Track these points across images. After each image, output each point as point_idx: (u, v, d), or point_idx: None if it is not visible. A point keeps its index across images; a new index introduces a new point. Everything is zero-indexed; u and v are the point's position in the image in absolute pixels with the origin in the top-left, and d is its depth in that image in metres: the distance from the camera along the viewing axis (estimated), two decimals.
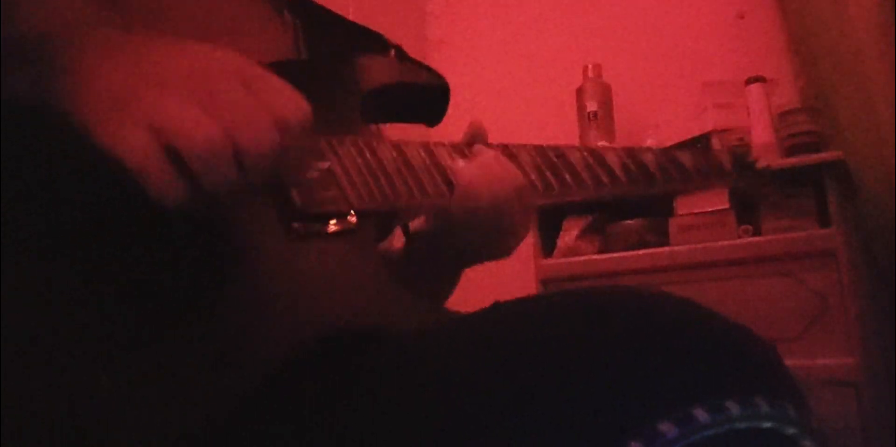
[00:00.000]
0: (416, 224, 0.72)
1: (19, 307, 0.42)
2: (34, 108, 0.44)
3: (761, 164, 0.89)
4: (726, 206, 1.58)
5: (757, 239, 1.53)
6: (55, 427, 0.41)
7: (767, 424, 0.38)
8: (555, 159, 0.72)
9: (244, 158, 0.43)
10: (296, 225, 0.54)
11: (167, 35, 0.48)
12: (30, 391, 0.41)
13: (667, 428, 0.36)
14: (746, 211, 1.59)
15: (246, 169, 0.43)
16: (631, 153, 0.77)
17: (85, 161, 0.43)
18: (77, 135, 0.42)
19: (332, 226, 0.56)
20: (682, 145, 1.66)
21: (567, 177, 0.71)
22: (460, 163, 0.66)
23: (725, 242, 1.55)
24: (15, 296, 0.42)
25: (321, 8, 0.75)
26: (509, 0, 2.36)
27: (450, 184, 0.64)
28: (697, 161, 0.82)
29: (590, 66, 1.96)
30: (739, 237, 1.55)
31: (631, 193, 0.76)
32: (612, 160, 0.75)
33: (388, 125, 0.77)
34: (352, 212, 0.57)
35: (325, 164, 0.58)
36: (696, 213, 1.61)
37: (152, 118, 0.41)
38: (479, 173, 0.64)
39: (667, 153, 0.80)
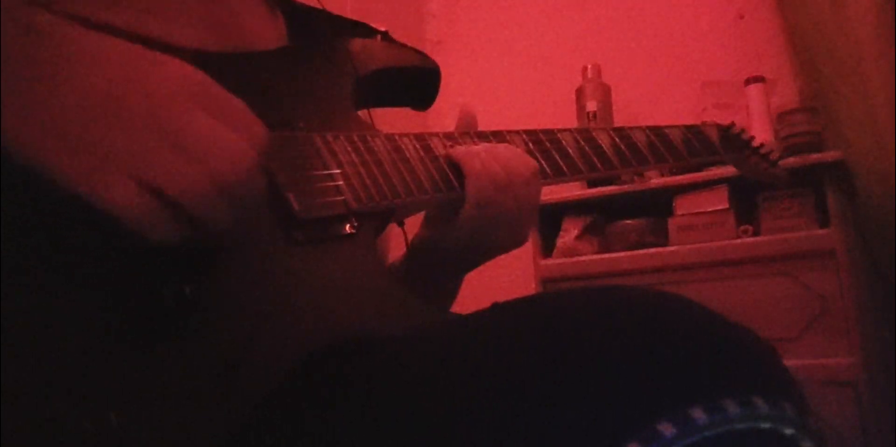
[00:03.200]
0: (416, 235, 0.72)
1: (16, 326, 0.41)
2: None
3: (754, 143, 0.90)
4: (726, 205, 1.57)
5: (756, 239, 1.53)
6: None
7: (766, 425, 0.38)
8: (547, 143, 0.72)
9: (231, 191, 0.43)
10: (295, 231, 0.53)
11: (99, 32, 0.43)
12: (34, 410, 0.40)
13: (665, 428, 0.36)
14: (746, 211, 1.59)
15: (235, 201, 0.43)
16: (621, 133, 0.77)
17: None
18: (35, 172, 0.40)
19: (332, 230, 0.55)
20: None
21: (560, 161, 0.71)
22: (461, 149, 0.65)
23: (725, 242, 1.55)
24: (11, 316, 0.41)
25: (304, 5, 0.75)
26: (509, 0, 2.36)
27: (457, 176, 0.63)
28: (686, 137, 0.81)
29: (589, 67, 1.96)
30: (739, 237, 1.55)
31: (624, 173, 0.76)
32: (604, 141, 0.75)
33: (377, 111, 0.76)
34: (351, 215, 0.56)
35: (322, 168, 0.57)
36: (695, 213, 1.61)
37: (130, 165, 0.40)
38: (488, 156, 0.64)
39: (656, 131, 0.80)
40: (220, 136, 0.42)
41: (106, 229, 0.41)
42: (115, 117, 0.40)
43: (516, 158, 0.66)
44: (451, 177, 0.64)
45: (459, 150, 0.65)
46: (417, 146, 0.64)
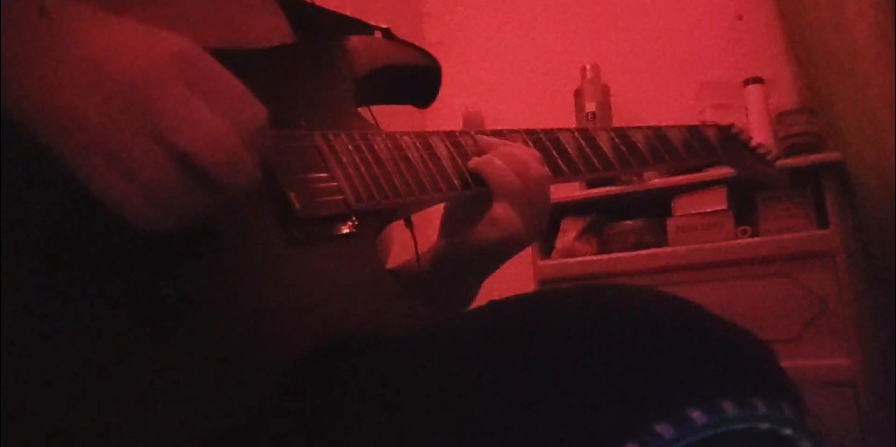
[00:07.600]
0: (434, 245, 0.71)
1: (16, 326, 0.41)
2: None
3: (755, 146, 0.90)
4: (724, 206, 1.58)
5: (755, 239, 1.53)
6: None
7: (764, 425, 0.38)
8: (547, 142, 0.72)
9: (216, 179, 0.42)
10: (296, 230, 0.53)
11: (94, 11, 0.43)
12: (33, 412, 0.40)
13: (663, 429, 0.36)
14: (745, 211, 1.59)
15: (223, 188, 0.42)
16: (621, 133, 0.77)
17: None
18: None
19: (333, 229, 0.55)
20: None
21: (560, 161, 0.71)
22: (476, 159, 0.65)
23: (723, 243, 1.55)
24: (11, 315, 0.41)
25: (305, 2, 0.75)
26: (507, 0, 2.36)
27: (474, 178, 0.64)
28: (685, 137, 0.82)
29: (588, 67, 1.96)
30: (737, 238, 1.55)
31: (623, 174, 0.76)
32: (603, 141, 0.75)
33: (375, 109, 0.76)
34: (352, 214, 0.56)
35: (323, 167, 0.57)
36: (694, 214, 1.61)
37: (103, 144, 0.40)
38: (505, 164, 0.64)
39: (656, 131, 0.80)
40: (196, 116, 0.41)
41: (99, 214, 0.41)
42: (99, 93, 0.40)
43: (528, 157, 0.66)
44: (468, 177, 0.64)
45: (480, 164, 0.65)
46: (418, 145, 0.64)
